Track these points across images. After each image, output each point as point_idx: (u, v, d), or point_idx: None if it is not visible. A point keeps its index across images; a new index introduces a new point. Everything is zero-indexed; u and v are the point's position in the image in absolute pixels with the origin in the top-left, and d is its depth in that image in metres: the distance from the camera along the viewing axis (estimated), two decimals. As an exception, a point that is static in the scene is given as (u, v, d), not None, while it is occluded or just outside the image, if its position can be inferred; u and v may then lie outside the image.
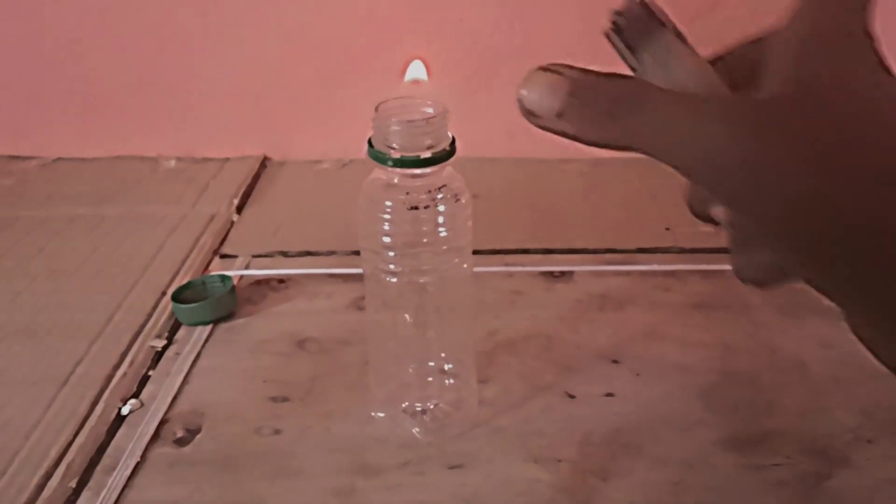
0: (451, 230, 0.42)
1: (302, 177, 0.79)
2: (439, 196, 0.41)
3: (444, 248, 0.42)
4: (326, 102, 0.81)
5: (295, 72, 0.80)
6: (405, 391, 0.46)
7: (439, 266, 0.42)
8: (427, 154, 0.40)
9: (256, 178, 0.78)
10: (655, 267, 0.60)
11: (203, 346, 0.52)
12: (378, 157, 0.40)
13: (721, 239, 0.63)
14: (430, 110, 0.41)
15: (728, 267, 0.60)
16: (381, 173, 0.41)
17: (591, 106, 0.26)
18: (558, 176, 0.78)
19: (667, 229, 0.66)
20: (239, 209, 0.72)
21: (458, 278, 0.43)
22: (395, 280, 0.42)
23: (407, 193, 0.40)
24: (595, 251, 0.63)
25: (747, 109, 0.25)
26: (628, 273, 0.60)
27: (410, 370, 0.45)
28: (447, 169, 0.41)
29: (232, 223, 0.69)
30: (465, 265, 0.43)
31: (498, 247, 0.64)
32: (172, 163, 0.81)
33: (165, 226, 0.68)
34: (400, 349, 0.45)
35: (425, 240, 0.41)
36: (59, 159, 0.82)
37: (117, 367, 0.50)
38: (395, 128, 0.40)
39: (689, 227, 0.66)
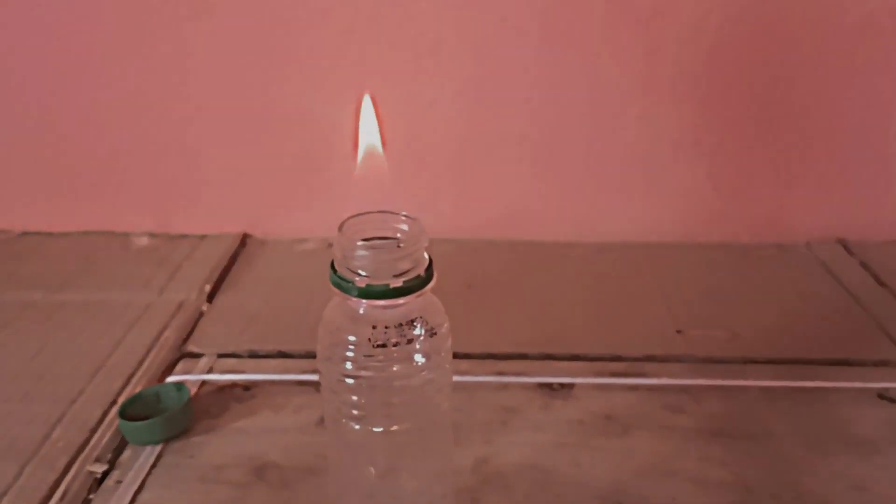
0: (428, 369, 0.36)
1: (284, 258, 0.73)
2: (415, 332, 0.35)
3: (420, 389, 0.36)
4: (312, 176, 0.76)
5: (279, 145, 0.75)
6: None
7: (413, 410, 0.36)
8: (398, 283, 0.34)
9: (234, 258, 0.72)
10: (666, 381, 0.54)
11: (149, 472, 0.46)
12: (341, 286, 0.34)
13: (739, 347, 0.58)
14: (405, 227, 0.35)
15: (748, 382, 0.54)
16: (344, 300, 0.35)
17: None
18: (560, 262, 0.72)
19: (678, 332, 0.60)
20: (211, 296, 0.66)
21: (437, 421, 0.37)
22: (358, 427, 0.36)
23: (374, 327, 0.34)
24: (599, 358, 0.57)
25: None
26: (635, 387, 0.53)
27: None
28: (424, 296, 0.35)
29: (201, 313, 0.63)
30: (445, 405, 0.37)
31: (492, 350, 0.58)
32: (145, 239, 0.75)
33: (128, 316, 0.62)
34: (366, 500, 0.38)
35: (397, 382, 0.35)
36: (25, 233, 0.77)
37: (48, 499, 0.44)
38: (360, 252, 0.34)
39: (703, 331, 0.60)
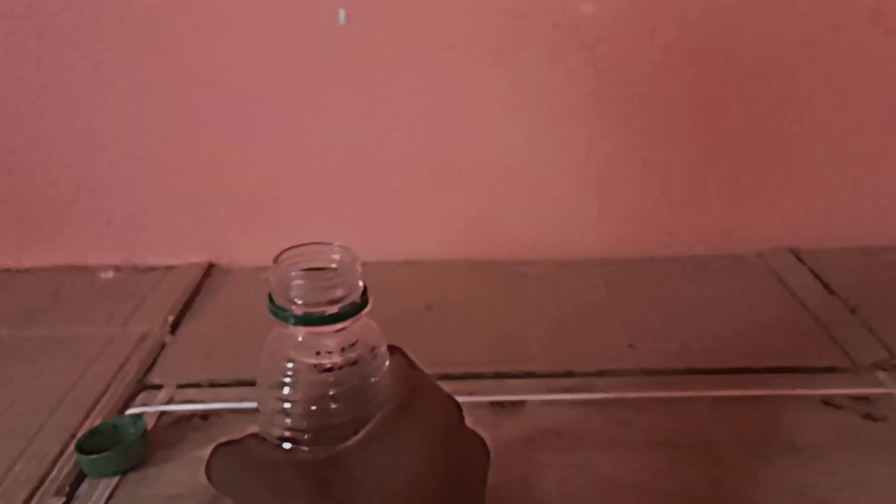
0: (372, 388, 0.37)
1: (247, 286, 0.74)
2: (357, 354, 0.36)
3: (362, 406, 0.37)
4: (273, 205, 0.77)
5: (242, 175, 0.76)
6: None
7: (356, 428, 0.37)
8: (335, 309, 0.35)
9: (198, 288, 0.74)
10: (614, 395, 0.55)
11: (106, 504, 0.47)
12: (279, 314, 0.35)
13: (687, 358, 0.59)
14: (337, 256, 0.36)
15: (694, 393, 0.55)
16: (285, 329, 0.36)
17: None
18: (517, 281, 0.73)
19: (630, 346, 0.61)
20: (174, 326, 0.67)
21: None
22: (306, 449, 0.37)
23: (318, 353, 0.35)
24: (551, 375, 0.58)
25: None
26: (585, 402, 0.55)
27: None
28: (361, 320, 0.37)
29: (164, 344, 0.64)
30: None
31: (447, 371, 0.59)
32: (111, 273, 0.76)
33: (91, 350, 0.63)
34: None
35: (339, 404, 0.36)
36: (-8, 271, 0.78)
37: (6, 533, 0.45)
38: (297, 281, 0.35)
39: (654, 344, 0.62)
